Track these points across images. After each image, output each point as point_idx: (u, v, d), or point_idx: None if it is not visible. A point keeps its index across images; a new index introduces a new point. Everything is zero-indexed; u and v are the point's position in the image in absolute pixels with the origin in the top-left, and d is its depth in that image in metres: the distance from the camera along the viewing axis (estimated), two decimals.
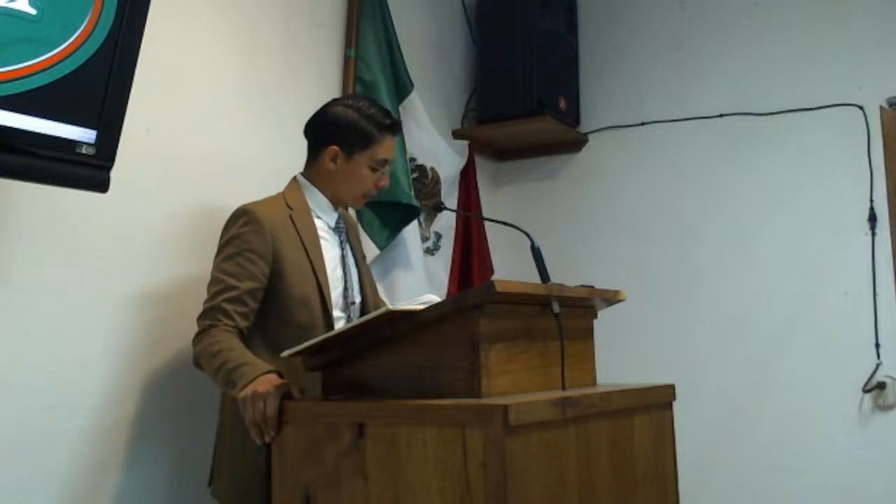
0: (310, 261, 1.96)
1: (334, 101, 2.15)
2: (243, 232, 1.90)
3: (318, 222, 2.05)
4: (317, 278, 1.95)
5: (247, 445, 1.71)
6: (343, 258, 2.08)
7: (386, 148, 2.06)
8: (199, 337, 1.83)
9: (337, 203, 2.11)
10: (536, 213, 3.65)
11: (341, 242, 2.10)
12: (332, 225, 2.09)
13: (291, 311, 1.91)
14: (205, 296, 1.88)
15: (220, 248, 1.93)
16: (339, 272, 2.05)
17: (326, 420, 1.55)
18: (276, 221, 1.94)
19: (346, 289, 2.05)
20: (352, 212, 2.49)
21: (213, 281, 1.89)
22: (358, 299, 2.10)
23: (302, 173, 2.11)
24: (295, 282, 1.92)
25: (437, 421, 1.41)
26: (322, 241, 2.02)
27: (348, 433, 1.50)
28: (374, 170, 2.05)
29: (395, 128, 2.10)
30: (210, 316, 1.83)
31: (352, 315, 2.04)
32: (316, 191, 2.07)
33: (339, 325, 1.97)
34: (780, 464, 3.16)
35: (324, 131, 2.07)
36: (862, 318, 3.10)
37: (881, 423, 3.06)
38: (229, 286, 1.85)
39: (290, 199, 2.02)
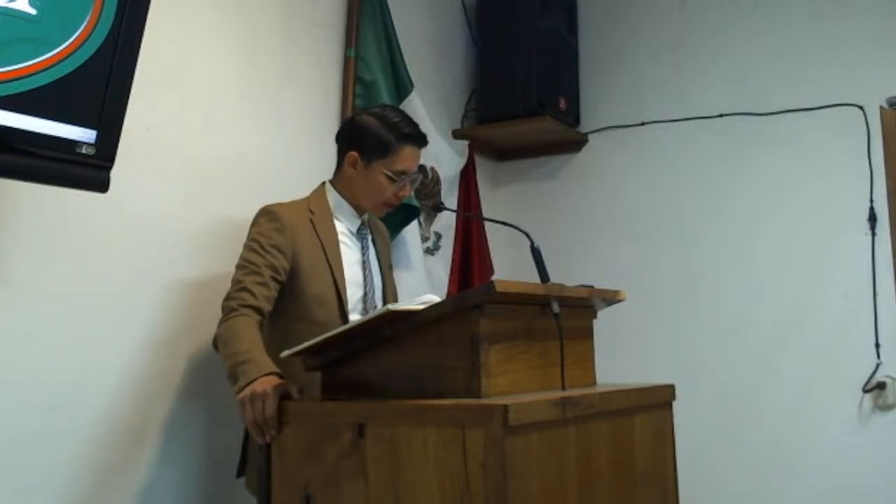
0: (327, 261, 1.99)
1: (365, 109, 2.16)
2: (266, 229, 1.96)
3: (338, 225, 2.08)
4: (334, 278, 1.98)
5: None
6: (364, 263, 2.09)
7: (405, 158, 2.05)
8: (222, 319, 1.86)
9: (358, 209, 2.12)
10: (536, 213, 3.64)
11: (363, 248, 2.11)
12: (354, 230, 2.12)
13: (309, 308, 1.95)
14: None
15: (245, 244, 1.97)
16: (360, 276, 2.06)
17: (326, 420, 1.55)
18: (296, 223, 1.99)
19: (366, 294, 2.06)
20: None
21: (238, 268, 1.93)
22: (379, 305, 2.10)
23: (330, 179, 2.15)
24: (312, 279, 1.96)
25: (437, 421, 1.41)
26: (342, 245, 2.05)
27: (348, 433, 1.50)
28: (392, 179, 2.04)
29: (416, 138, 2.07)
30: (235, 298, 1.86)
31: None
32: (339, 196, 2.11)
33: None
34: (780, 464, 3.16)
35: (347, 137, 2.12)
36: (862, 318, 3.10)
37: (881, 423, 3.06)
38: (253, 270, 1.90)
39: (313, 204, 2.07)
